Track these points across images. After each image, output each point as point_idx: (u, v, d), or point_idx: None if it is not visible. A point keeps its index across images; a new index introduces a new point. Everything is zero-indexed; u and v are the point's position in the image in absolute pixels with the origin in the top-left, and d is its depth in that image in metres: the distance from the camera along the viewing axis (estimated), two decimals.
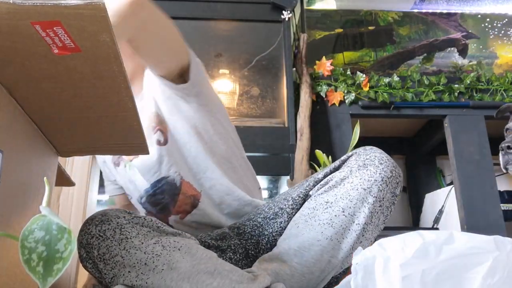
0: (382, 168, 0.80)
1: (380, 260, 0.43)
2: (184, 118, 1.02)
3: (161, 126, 1.03)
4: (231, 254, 0.92)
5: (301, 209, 0.85)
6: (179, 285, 0.73)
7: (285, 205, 0.89)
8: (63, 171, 1.03)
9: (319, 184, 0.86)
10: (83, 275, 1.63)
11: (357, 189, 0.80)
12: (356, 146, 1.88)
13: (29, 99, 0.70)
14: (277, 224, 0.90)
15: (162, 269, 0.75)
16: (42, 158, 0.81)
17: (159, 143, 1.02)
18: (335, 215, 0.79)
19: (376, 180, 0.80)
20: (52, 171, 0.87)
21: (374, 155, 0.82)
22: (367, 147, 0.85)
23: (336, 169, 0.86)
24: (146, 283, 0.75)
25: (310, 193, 0.87)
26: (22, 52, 0.59)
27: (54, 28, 0.54)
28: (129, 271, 0.75)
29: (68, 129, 0.80)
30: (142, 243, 0.77)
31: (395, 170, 0.82)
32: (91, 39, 0.57)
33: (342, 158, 0.87)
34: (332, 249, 0.78)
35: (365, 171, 0.80)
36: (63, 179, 1.08)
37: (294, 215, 0.86)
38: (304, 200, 0.87)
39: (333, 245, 0.78)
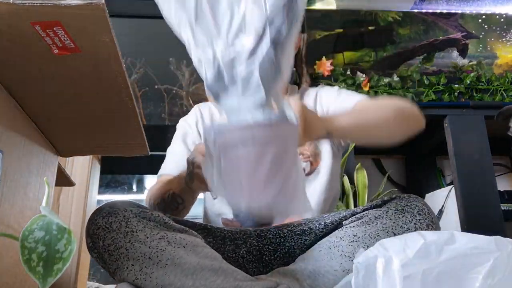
0: (419, 219, 0.78)
1: (382, 260, 0.43)
2: (329, 162, 1.12)
3: (314, 159, 1.12)
4: (244, 252, 0.92)
5: (329, 235, 0.85)
6: (182, 281, 0.73)
7: (316, 227, 0.89)
8: (63, 171, 1.03)
9: (354, 217, 0.85)
10: (83, 275, 1.63)
11: (387, 232, 0.77)
12: (356, 146, 1.88)
13: (29, 99, 0.70)
14: (301, 240, 0.90)
15: (166, 264, 0.75)
16: (42, 158, 0.81)
17: (303, 171, 1.10)
18: (359, 251, 0.78)
19: (409, 229, 0.77)
20: (52, 171, 0.87)
21: (415, 204, 0.80)
22: (412, 195, 0.83)
23: (376, 207, 0.85)
24: (150, 277, 0.75)
25: (344, 223, 0.86)
26: (22, 52, 0.59)
27: (54, 28, 0.54)
28: (132, 264, 0.76)
29: (68, 129, 0.80)
30: (148, 237, 0.78)
31: (432, 225, 0.79)
32: (91, 39, 0.57)
33: (385, 198, 0.86)
34: None
35: (401, 216, 0.78)
36: (63, 179, 1.09)
37: (321, 238, 0.86)
38: (335, 228, 0.86)
39: None
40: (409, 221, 0.78)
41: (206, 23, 0.54)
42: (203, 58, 0.55)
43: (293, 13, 0.54)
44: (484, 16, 2.46)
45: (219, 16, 0.54)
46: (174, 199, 0.85)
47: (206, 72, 0.55)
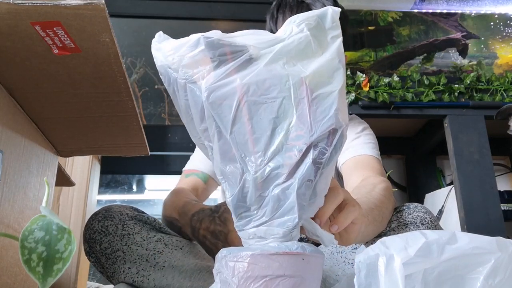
0: (422, 229, 0.77)
1: (383, 258, 0.42)
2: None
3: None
4: None
5: None
6: (180, 283, 0.73)
7: None
8: (63, 171, 1.03)
9: None
10: (83, 275, 1.63)
11: None
12: None
13: (29, 99, 0.70)
14: None
15: (163, 266, 0.75)
16: (42, 158, 0.81)
17: None
18: (360, 247, 0.77)
19: None
20: (52, 171, 0.87)
21: (417, 214, 0.80)
22: (412, 205, 0.82)
23: None
24: (148, 279, 0.75)
25: None
26: (22, 52, 0.59)
27: (54, 28, 0.54)
28: (129, 267, 0.76)
29: (68, 129, 0.80)
30: (144, 240, 0.77)
31: None
32: (91, 40, 0.57)
33: None
34: None
35: (405, 228, 0.78)
36: (63, 179, 1.08)
37: None
38: None
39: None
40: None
41: (241, 135, 0.47)
42: (228, 173, 0.49)
43: (338, 140, 0.49)
44: (484, 16, 2.46)
45: (258, 130, 0.47)
46: (181, 234, 0.82)
47: (229, 190, 0.49)
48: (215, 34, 0.48)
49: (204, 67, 0.47)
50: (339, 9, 0.52)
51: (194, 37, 0.48)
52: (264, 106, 0.47)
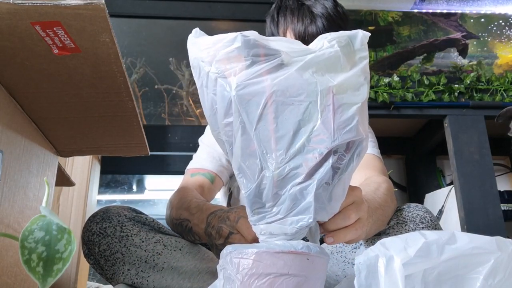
0: (422, 228, 0.78)
1: (383, 259, 0.43)
2: None
3: None
4: None
5: None
6: (180, 284, 0.73)
7: None
8: (63, 171, 1.03)
9: None
10: (83, 275, 1.63)
11: None
12: None
13: (29, 99, 0.70)
14: None
15: (163, 268, 0.75)
16: (42, 158, 0.81)
17: None
18: (360, 249, 0.77)
19: None
20: (52, 171, 0.87)
21: (417, 213, 0.80)
22: (412, 204, 0.83)
23: None
24: (147, 281, 0.75)
25: None
26: (22, 52, 0.59)
27: (54, 29, 0.54)
28: (128, 269, 0.76)
29: (68, 129, 0.80)
30: (143, 241, 0.77)
31: None
32: (91, 40, 0.57)
33: None
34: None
35: (404, 226, 0.78)
36: (63, 179, 1.08)
37: (322, 242, 0.85)
38: None
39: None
40: (412, 230, 0.77)
41: (265, 132, 0.48)
42: (246, 168, 0.49)
43: (357, 149, 0.50)
44: (484, 16, 2.46)
45: (282, 129, 0.48)
46: (191, 234, 0.79)
47: (246, 185, 0.50)
48: (252, 34, 0.49)
49: (236, 64, 0.49)
50: (369, 34, 0.56)
51: (231, 34, 0.49)
52: (290, 108, 0.48)
